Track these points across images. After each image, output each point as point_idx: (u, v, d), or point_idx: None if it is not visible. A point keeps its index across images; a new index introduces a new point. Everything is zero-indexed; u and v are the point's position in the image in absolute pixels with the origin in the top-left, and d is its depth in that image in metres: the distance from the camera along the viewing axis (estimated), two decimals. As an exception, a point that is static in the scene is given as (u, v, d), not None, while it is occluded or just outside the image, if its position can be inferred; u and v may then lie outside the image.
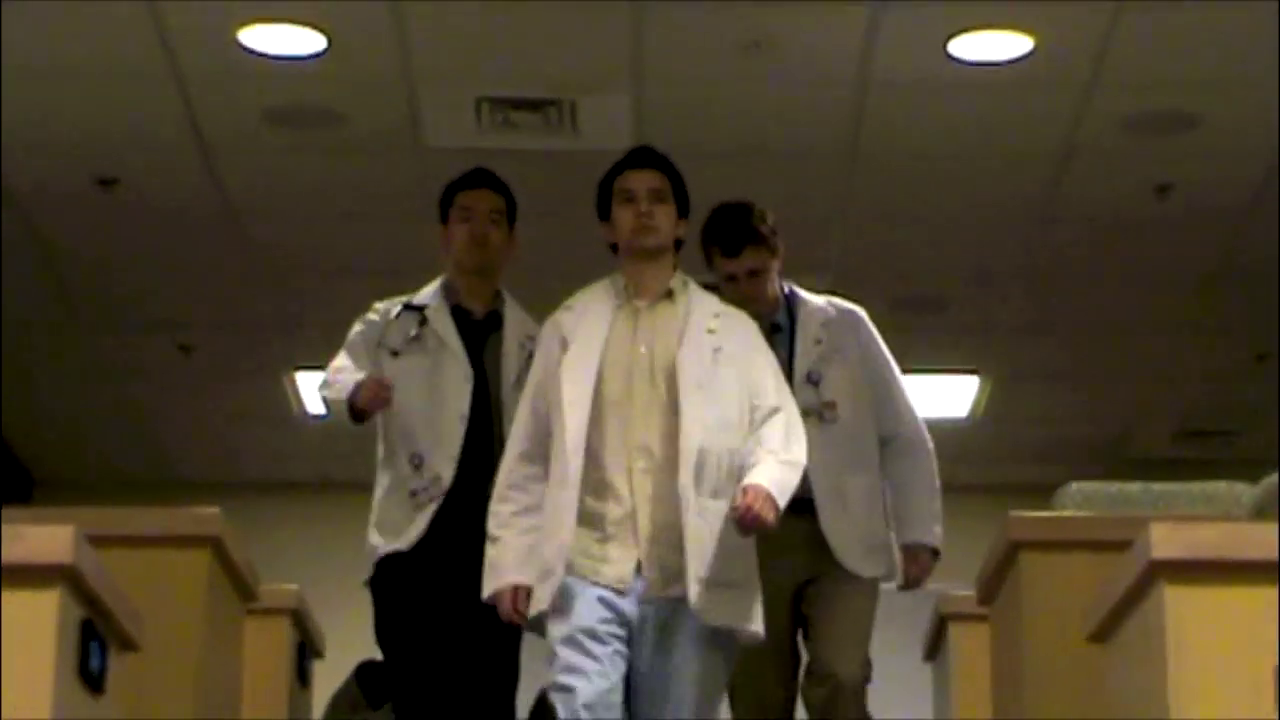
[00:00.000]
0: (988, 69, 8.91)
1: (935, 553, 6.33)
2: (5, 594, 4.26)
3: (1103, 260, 10.79)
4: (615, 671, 5.35)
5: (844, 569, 6.17)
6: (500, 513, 5.66)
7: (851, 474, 6.30)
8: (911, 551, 6.33)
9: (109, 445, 13.48)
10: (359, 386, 6.23)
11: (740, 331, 5.70)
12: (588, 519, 5.45)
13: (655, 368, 5.56)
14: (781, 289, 6.48)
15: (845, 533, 6.21)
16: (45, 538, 4.34)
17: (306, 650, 7.85)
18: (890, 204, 9.79)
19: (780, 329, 6.38)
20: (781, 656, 6.28)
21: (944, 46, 8.72)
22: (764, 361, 5.69)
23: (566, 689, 5.30)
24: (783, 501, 5.38)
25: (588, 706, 5.25)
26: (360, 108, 9.21)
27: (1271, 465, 5.31)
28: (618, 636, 5.37)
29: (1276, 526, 4.65)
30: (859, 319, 6.49)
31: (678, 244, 5.76)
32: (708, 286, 6.07)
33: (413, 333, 6.41)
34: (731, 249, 6.34)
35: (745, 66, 8.88)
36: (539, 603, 5.42)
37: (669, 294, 5.67)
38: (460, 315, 6.48)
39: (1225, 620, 4.33)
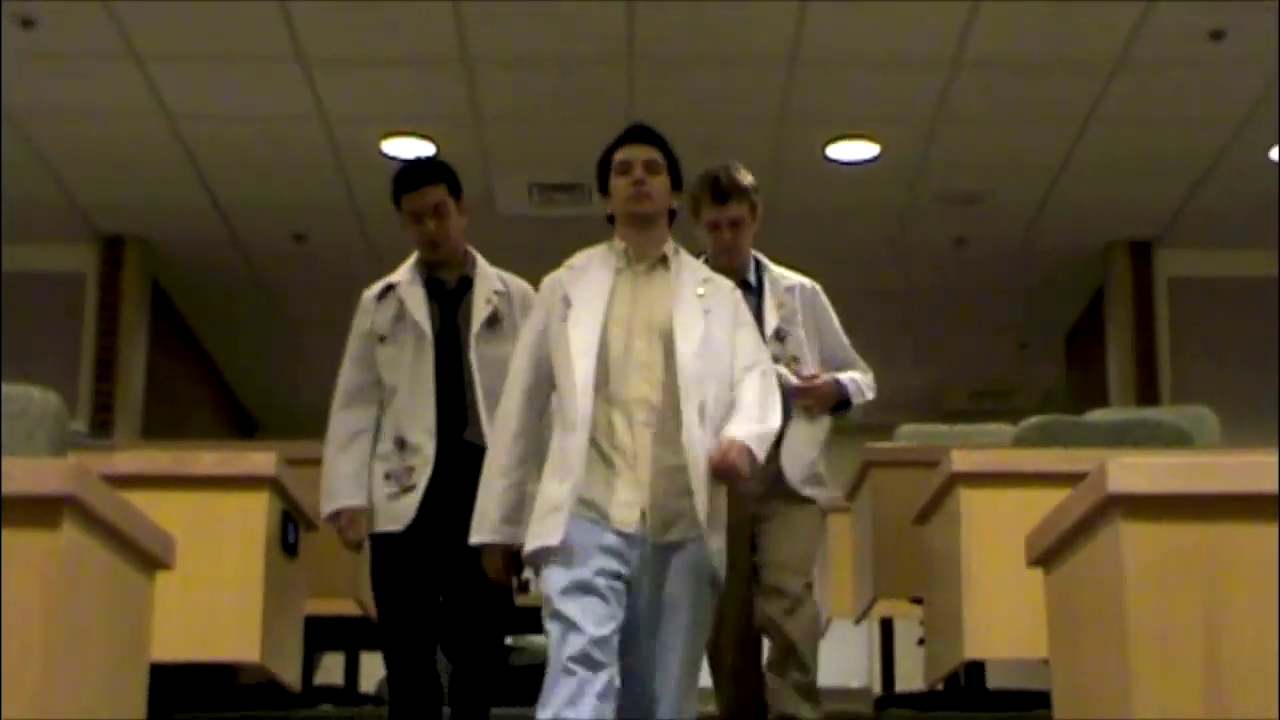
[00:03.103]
0: (851, 165, 8.91)
1: (841, 401, 4.81)
2: (234, 495, 4.31)
3: (924, 285, 10.77)
4: (611, 621, 3.62)
5: (793, 493, 4.67)
6: (497, 455, 3.95)
7: (803, 420, 4.71)
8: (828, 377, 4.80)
9: (304, 401, 13.46)
10: (336, 515, 4.40)
11: (726, 297, 4.03)
12: (595, 463, 3.76)
13: (652, 326, 3.89)
14: (753, 254, 4.88)
15: (793, 464, 4.65)
16: (260, 460, 4.39)
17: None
18: (787, 253, 9.89)
19: (750, 287, 4.73)
20: (746, 579, 4.65)
21: (823, 150, 8.73)
22: (747, 325, 4.06)
23: (561, 639, 3.60)
24: (760, 454, 3.84)
25: (580, 657, 3.57)
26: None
27: (1029, 414, 5.33)
28: (615, 590, 3.67)
29: (1028, 452, 4.72)
30: (817, 290, 4.92)
31: (671, 215, 4.10)
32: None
33: (395, 314, 4.56)
34: (719, 196, 4.74)
35: (703, 160, 8.89)
36: (543, 537, 3.70)
37: (663, 259, 4.01)
38: (434, 286, 4.59)
39: (997, 509, 4.39)
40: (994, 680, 5.54)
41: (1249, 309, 9.93)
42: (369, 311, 4.60)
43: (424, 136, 8.53)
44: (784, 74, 7.91)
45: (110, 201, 9.34)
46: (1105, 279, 10.27)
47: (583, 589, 3.63)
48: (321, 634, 5.66)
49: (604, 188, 4.10)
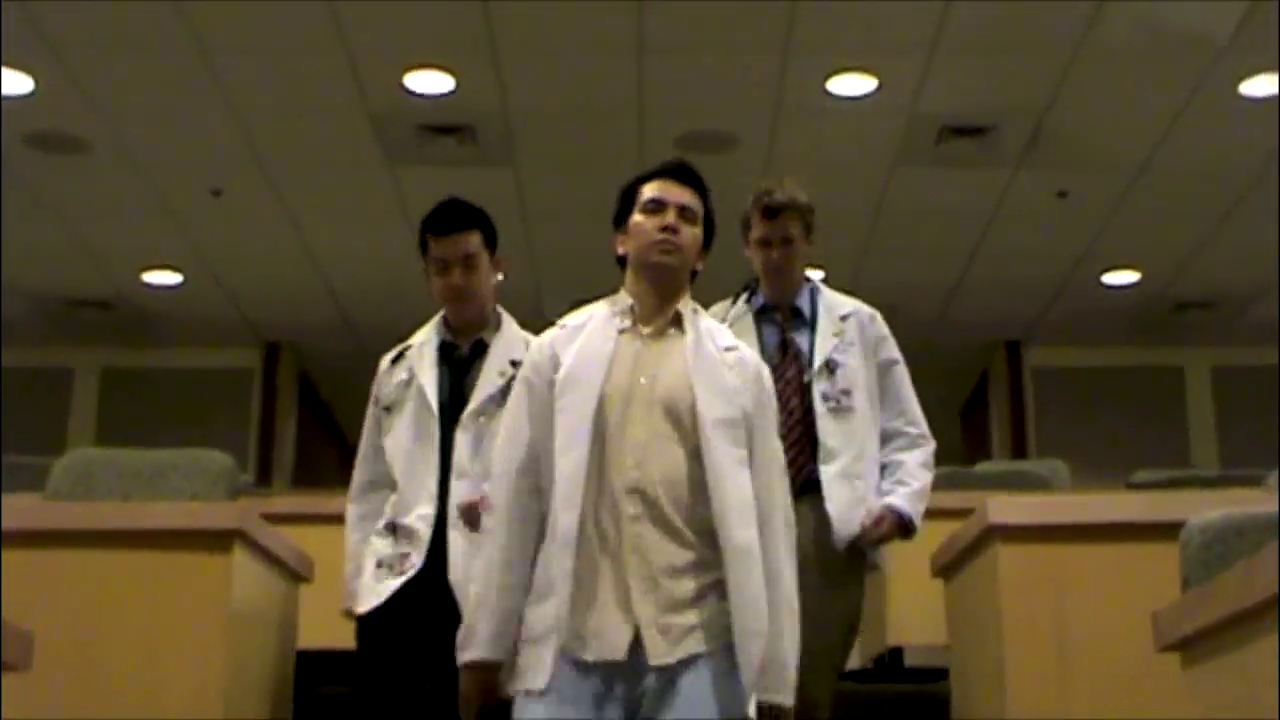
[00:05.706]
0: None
1: (906, 529, 3.17)
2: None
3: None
4: None
5: (840, 558, 3.11)
6: (490, 559, 2.28)
7: (861, 462, 3.24)
8: (885, 511, 3.16)
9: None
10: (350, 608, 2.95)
11: (751, 376, 2.37)
12: (582, 576, 2.20)
13: (655, 400, 2.27)
14: (806, 279, 3.40)
15: (852, 521, 3.12)
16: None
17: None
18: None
19: (801, 315, 3.33)
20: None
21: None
22: (767, 432, 2.34)
23: None
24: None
25: None
26: (508, 304, 9.23)
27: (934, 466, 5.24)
28: None
29: (933, 494, 4.66)
30: (876, 318, 3.49)
31: (693, 276, 2.46)
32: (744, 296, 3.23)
33: (404, 379, 3.07)
34: (770, 212, 3.24)
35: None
36: (525, 677, 2.20)
37: (677, 320, 2.40)
38: (447, 350, 3.10)
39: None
40: (909, 660, 5.49)
41: (1091, 389, 9.95)
42: (380, 379, 3.14)
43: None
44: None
45: (270, 317, 9.41)
46: (988, 368, 10.30)
47: None
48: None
49: (620, 222, 2.48)
